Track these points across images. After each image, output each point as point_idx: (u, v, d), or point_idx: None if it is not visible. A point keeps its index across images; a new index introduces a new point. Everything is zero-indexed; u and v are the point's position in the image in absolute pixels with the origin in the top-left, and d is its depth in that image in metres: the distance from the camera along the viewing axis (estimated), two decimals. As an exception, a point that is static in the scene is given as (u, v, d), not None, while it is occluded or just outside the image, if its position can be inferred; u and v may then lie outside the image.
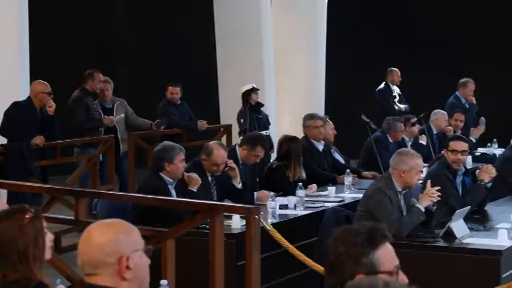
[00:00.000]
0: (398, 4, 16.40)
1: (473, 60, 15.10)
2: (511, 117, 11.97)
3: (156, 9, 16.00)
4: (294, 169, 7.97)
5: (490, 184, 6.92)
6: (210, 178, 7.17)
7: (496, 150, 10.88)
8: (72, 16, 14.93)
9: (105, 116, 10.24)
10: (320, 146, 8.87)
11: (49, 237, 3.36)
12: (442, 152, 7.32)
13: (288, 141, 8.18)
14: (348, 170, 8.89)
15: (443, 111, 11.14)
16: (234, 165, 7.20)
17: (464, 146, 7.11)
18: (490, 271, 5.54)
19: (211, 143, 7.19)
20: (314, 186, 8.02)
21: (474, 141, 11.07)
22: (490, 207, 7.33)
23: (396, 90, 12.60)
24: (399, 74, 12.65)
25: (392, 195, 6.08)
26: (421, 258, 5.65)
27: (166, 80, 11.56)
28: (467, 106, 12.07)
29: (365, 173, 8.98)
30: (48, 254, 3.34)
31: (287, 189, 7.54)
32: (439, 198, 6.12)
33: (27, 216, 3.29)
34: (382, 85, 12.66)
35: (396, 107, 12.36)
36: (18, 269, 3.22)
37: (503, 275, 5.57)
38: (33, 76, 9.57)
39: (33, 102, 9.00)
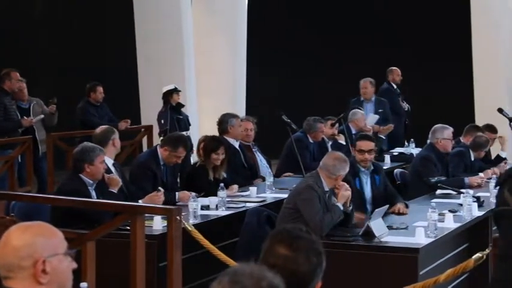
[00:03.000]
0: (320, 4, 16.57)
1: (392, 60, 15.35)
2: (427, 117, 12.22)
3: (75, 8, 15.81)
4: (215, 168, 7.97)
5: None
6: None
7: (413, 150, 11.08)
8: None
9: (25, 117, 10.09)
10: (236, 144, 8.94)
11: None
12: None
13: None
14: (270, 170, 8.96)
15: (362, 112, 11.31)
16: (115, 176, 6.97)
17: (370, 145, 7.21)
18: (408, 269, 5.64)
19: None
20: (235, 187, 8.04)
21: (384, 138, 11.25)
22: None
23: (397, 90, 12.62)
24: (399, 72, 12.65)
25: (321, 193, 6.18)
26: (340, 256, 5.71)
27: (86, 80, 11.43)
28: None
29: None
30: None
31: (209, 189, 7.55)
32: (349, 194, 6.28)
33: None
34: (385, 85, 12.65)
35: (402, 106, 12.46)
36: None
37: (421, 272, 5.69)
38: None
39: None
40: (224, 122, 9.01)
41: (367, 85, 12.04)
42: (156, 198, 6.89)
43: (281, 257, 2.54)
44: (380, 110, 11.76)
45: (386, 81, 12.71)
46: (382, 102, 12.00)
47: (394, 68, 12.75)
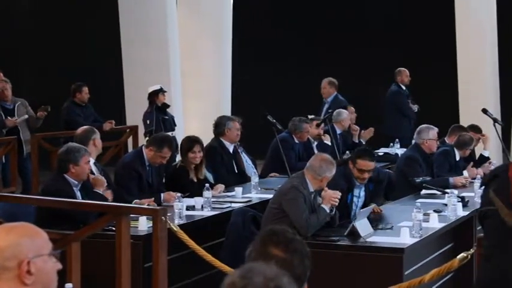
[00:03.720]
0: (304, 6, 16.58)
1: (379, 61, 15.39)
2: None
3: (61, 8, 15.75)
4: (196, 168, 7.96)
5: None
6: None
7: (398, 150, 11.11)
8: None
9: (9, 117, 10.05)
10: (231, 148, 8.92)
11: None
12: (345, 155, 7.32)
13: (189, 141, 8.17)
14: (255, 171, 8.96)
15: (347, 112, 11.30)
16: (100, 177, 6.96)
17: (372, 165, 6.94)
18: (393, 268, 5.66)
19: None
20: (221, 187, 8.04)
21: (364, 142, 11.24)
22: (392, 206, 7.49)
23: (406, 91, 12.49)
24: (408, 73, 12.44)
25: (306, 194, 6.18)
26: (325, 256, 5.72)
27: (71, 81, 11.39)
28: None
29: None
30: None
31: (192, 190, 7.55)
32: (336, 203, 6.24)
33: None
34: (393, 86, 12.46)
35: (411, 108, 12.32)
36: None
37: (406, 272, 5.71)
38: None
39: None
40: (221, 124, 8.91)
41: (325, 85, 11.94)
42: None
43: (278, 260, 2.50)
44: (330, 111, 11.35)
45: (395, 82, 12.49)
46: (339, 102, 11.80)
47: (402, 68, 12.54)
